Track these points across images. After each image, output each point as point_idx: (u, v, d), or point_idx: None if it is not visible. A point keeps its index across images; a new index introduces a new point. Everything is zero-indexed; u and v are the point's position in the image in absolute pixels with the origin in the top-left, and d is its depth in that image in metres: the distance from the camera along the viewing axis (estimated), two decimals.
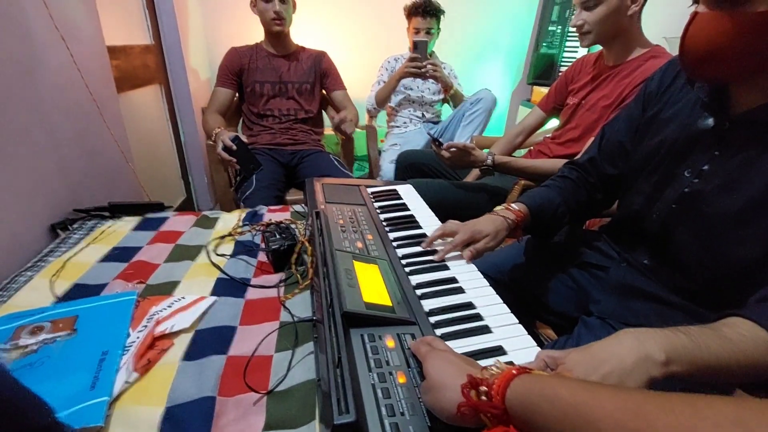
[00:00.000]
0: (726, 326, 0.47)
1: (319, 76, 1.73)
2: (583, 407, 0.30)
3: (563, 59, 2.45)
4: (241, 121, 1.80)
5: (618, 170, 0.79)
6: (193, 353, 0.59)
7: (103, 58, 1.24)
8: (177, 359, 0.58)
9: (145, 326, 0.63)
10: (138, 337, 0.61)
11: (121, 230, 0.96)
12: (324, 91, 1.78)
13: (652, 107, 0.74)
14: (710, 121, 0.62)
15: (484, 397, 0.36)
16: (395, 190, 1.04)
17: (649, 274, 0.72)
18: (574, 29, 1.11)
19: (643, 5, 1.02)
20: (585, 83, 1.18)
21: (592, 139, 0.89)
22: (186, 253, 0.86)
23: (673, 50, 0.63)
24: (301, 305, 0.69)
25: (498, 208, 0.79)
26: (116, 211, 1.03)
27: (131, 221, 1.00)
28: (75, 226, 0.97)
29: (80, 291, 0.74)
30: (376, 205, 0.95)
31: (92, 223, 0.99)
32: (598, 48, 1.17)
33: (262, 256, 0.85)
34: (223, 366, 0.56)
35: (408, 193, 1.03)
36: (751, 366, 0.44)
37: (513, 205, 0.79)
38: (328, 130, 1.85)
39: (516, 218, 0.77)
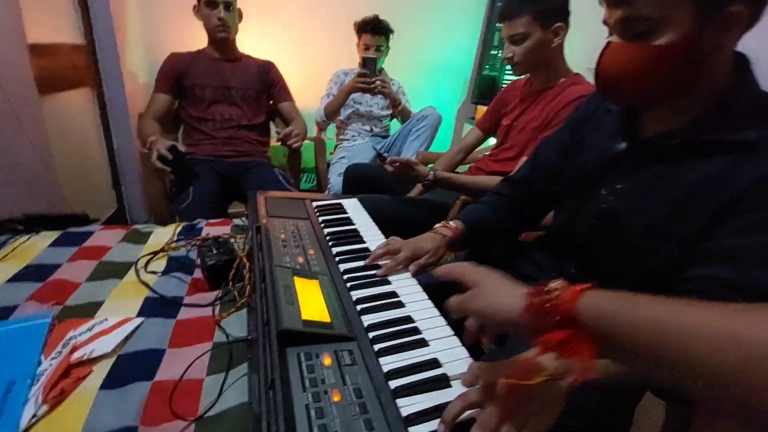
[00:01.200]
0: None
1: (266, 85, 1.70)
2: (673, 315, 0.32)
3: (504, 80, 2.60)
4: (182, 128, 1.72)
5: (549, 188, 0.86)
6: (114, 380, 0.54)
7: (23, 56, 1.13)
8: (95, 388, 0.53)
9: (60, 352, 0.57)
10: (51, 365, 0.55)
11: (37, 246, 0.87)
12: (271, 102, 1.76)
13: (578, 133, 0.81)
14: (623, 146, 0.69)
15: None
16: (340, 203, 1.04)
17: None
18: (506, 60, 1.20)
19: (563, 38, 1.13)
20: (516, 105, 1.28)
21: (526, 158, 0.95)
22: (112, 271, 0.80)
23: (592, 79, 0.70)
24: (237, 324, 0.66)
25: (437, 225, 0.83)
26: (32, 224, 0.94)
27: (50, 236, 0.91)
28: None
29: None
30: (321, 219, 0.94)
31: (3, 239, 0.89)
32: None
33: (197, 273, 0.81)
34: (147, 393, 0.53)
35: (353, 207, 1.03)
36: None
37: (451, 222, 0.84)
38: (274, 141, 1.81)
39: (453, 235, 0.82)
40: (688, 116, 0.61)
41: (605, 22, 0.61)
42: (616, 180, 0.69)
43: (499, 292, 0.46)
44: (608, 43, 0.62)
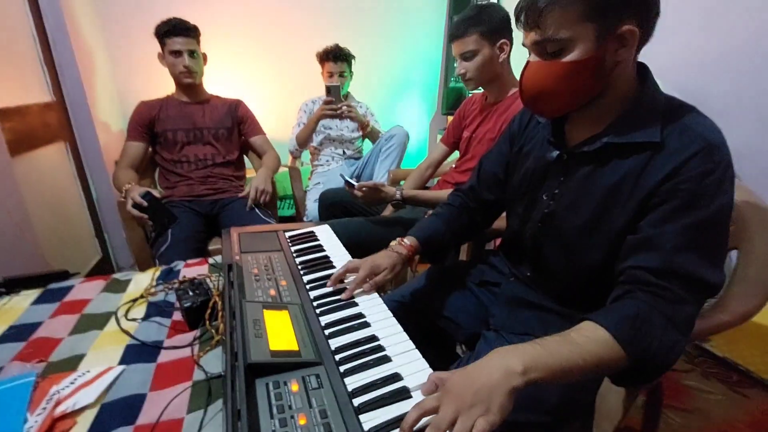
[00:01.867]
0: (574, 331, 0.56)
1: (237, 122, 1.75)
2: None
3: (469, 91, 2.70)
4: (157, 171, 1.76)
5: (494, 196, 0.93)
6: (97, 429, 0.57)
7: None
8: None
9: (44, 408, 0.60)
10: (36, 422, 0.58)
11: (18, 306, 0.90)
12: (243, 138, 1.81)
13: (517, 144, 0.87)
14: (554, 154, 0.75)
15: None
16: (312, 231, 1.09)
17: (533, 286, 0.83)
18: (459, 76, 1.28)
19: (509, 54, 1.22)
20: (474, 118, 1.36)
21: None
22: (93, 323, 0.83)
23: None
24: (215, 361, 0.70)
25: (393, 243, 0.89)
26: (13, 285, 0.96)
27: (31, 294, 0.94)
28: None
29: None
30: (293, 248, 0.98)
31: None
32: None
33: (177, 315, 0.85)
34: None
35: (324, 233, 1.08)
36: (596, 362, 0.53)
37: (405, 240, 0.89)
38: (251, 172, 1.86)
39: (408, 252, 0.87)
40: (604, 123, 0.67)
41: (524, 44, 0.68)
42: (554, 185, 0.75)
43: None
44: (528, 62, 0.68)
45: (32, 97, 1.63)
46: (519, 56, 1.27)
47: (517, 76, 1.29)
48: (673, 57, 1.58)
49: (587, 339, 0.55)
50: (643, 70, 0.67)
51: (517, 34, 1.23)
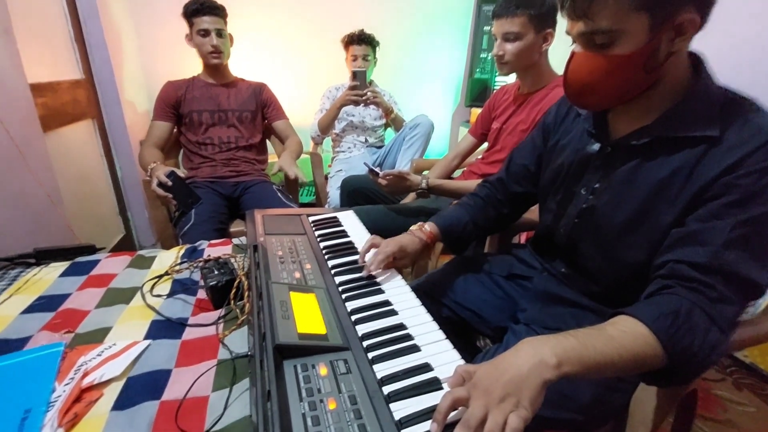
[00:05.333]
0: (610, 325, 0.53)
1: (260, 106, 1.75)
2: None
3: (495, 83, 2.64)
4: (181, 152, 1.77)
5: (523, 188, 0.90)
6: (123, 402, 0.57)
7: (26, 98, 1.19)
8: (106, 410, 0.56)
9: (72, 378, 0.61)
10: (64, 391, 0.58)
11: (48, 277, 0.91)
12: (266, 122, 1.80)
13: (552, 137, 0.84)
14: (596, 146, 0.72)
15: None
16: (336, 217, 1.07)
17: (566, 281, 0.80)
18: (495, 58, 1.23)
19: (550, 44, 1.18)
20: (505, 108, 1.31)
21: None
22: (119, 297, 0.83)
23: None
24: (240, 341, 0.69)
25: (413, 227, 0.87)
26: (43, 257, 0.98)
27: (59, 267, 0.95)
28: None
29: (0, 347, 0.69)
30: (317, 233, 0.97)
31: (16, 272, 0.93)
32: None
33: (201, 294, 0.84)
34: (156, 412, 0.55)
35: (349, 219, 1.06)
36: (632, 359, 0.50)
37: (425, 225, 0.88)
38: (273, 157, 1.86)
39: (427, 238, 0.86)
40: (654, 115, 0.63)
41: (568, 33, 0.64)
42: (594, 179, 0.72)
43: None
44: (572, 53, 0.64)
45: (63, 74, 1.65)
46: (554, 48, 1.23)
47: (554, 68, 1.27)
48: (720, 47, 1.48)
49: (623, 333, 0.51)
50: (696, 60, 0.63)
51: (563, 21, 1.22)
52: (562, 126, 0.82)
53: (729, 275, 0.53)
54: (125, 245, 2.04)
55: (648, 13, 0.55)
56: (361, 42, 1.96)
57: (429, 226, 0.88)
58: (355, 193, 1.58)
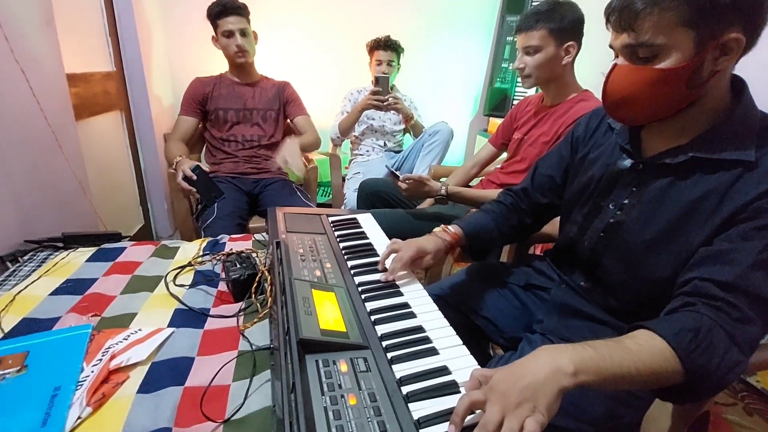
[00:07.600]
0: (629, 338, 0.53)
1: (283, 104, 1.78)
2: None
3: (516, 93, 2.64)
4: (204, 147, 1.81)
5: (547, 199, 0.91)
6: (149, 385, 0.59)
7: (63, 87, 1.23)
8: (132, 392, 0.58)
9: (100, 360, 0.63)
10: (92, 372, 0.61)
11: (75, 261, 0.94)
12: (287, 119, 1.83)
13: (581, 150, 0.84)
14: (627, 162, 0.72)
15: None
16: (355, 218, 1.09)
17: (585, 295, 0.80)
18: (517, 71, 1.24)
19: (575, 58, 1.17)
20: (527, 120, 1.31)
21: None
22: (143, 284, 0.86)
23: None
24: (260, 334, 0.71)
25: (437, 229, 0.88)
26: (70, 241, 1.01)
27: (86, 252, 0.98)
28: (26, 258, 0.94)
29: (30, 326, 0.72)
30: (336, 233, 0.99)
31: (44, 255, 0.97)
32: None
33: (222, 286, 0.87)
34: (179, 397, 0.57)
35: (367, 221, 1.08)
36: (649, 373, 0.50)
37: (450, 227, 0.88)
38: None
39: (452, 240, 0.86)
40: (690, 135, 0.63)
41: (611, 46, 0.64)
42: (623, 195, 0.72)
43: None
44: (614, 65, 0.65)
45: (96, 66, 1.70)
46: (582, 61, 1.22)
47: (589, 74, 1.26)
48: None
49: (642, 347, 0.51)
50: (738, 84, 0.63)
51: (592, 35, 1.21)
52: (592, 139, 0.82)
53: (754, 296, 0.53)
54: (144, 235, 2.08)
55: (694, 29, 0.55)
56: (387, 48, 1.99)
57: (453, 228, 0.88)
58: (373, 196, 1.59)
